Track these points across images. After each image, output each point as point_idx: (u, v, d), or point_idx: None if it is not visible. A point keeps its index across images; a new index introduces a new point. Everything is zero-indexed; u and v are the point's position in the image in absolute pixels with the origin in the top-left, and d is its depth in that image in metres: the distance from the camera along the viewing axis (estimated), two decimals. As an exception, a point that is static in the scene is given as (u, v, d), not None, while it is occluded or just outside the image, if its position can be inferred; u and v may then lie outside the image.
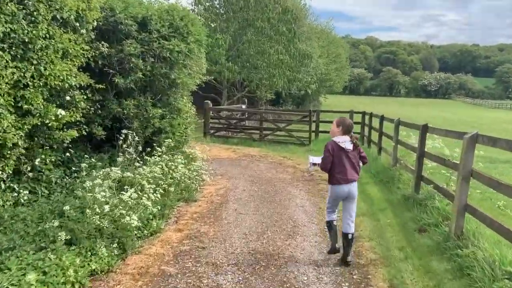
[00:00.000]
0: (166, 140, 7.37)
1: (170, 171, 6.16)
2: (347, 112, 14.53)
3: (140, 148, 6.71)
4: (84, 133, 5.40)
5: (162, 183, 5.83)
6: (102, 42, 5.69)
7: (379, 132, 10.06)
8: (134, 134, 6.80)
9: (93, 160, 5.89)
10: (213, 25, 19.05)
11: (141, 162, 6.11)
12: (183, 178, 6.39)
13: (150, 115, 6.61)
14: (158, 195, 5.21)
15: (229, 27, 18.17)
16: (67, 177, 5.34)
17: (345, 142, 4.03)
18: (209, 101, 14.49)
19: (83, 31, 5.12)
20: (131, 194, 4.68)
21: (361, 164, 4.20)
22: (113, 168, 5.29)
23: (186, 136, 8.81)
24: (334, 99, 42.38)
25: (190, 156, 8.71)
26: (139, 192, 4.96)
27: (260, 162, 10.60)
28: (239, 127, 14.29)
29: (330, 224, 4.30)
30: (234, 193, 7.09)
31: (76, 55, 5.00)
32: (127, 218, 4.29)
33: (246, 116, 15.83)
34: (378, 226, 5.40)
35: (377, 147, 10.24)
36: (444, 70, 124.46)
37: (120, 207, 4.47)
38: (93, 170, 5.45)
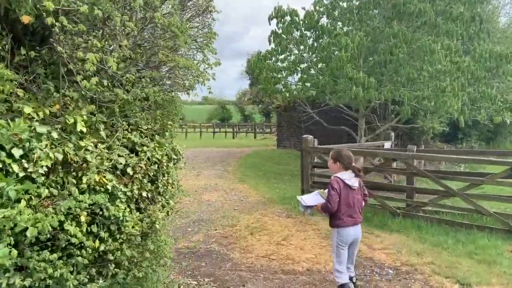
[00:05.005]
0: None
1: None
2: None
3: None
4: None
5: None
6: None
7: None
8: None
9: None
10: (344, 29, 12.72)
11: None
12: None
13: None
14: None
15: (365, 20, 11.52)
16: None
17: (351, 179, 3.50)
18: (310, 137, 8.13)
19: None
20: None
21: (363, 203, 3.73)
22: None
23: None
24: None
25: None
26: None
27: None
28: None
29: None
30: None
31: None
32: None
33: (390, 161, 8.62)
34: None
35: None
36: None
37: None
38: None
